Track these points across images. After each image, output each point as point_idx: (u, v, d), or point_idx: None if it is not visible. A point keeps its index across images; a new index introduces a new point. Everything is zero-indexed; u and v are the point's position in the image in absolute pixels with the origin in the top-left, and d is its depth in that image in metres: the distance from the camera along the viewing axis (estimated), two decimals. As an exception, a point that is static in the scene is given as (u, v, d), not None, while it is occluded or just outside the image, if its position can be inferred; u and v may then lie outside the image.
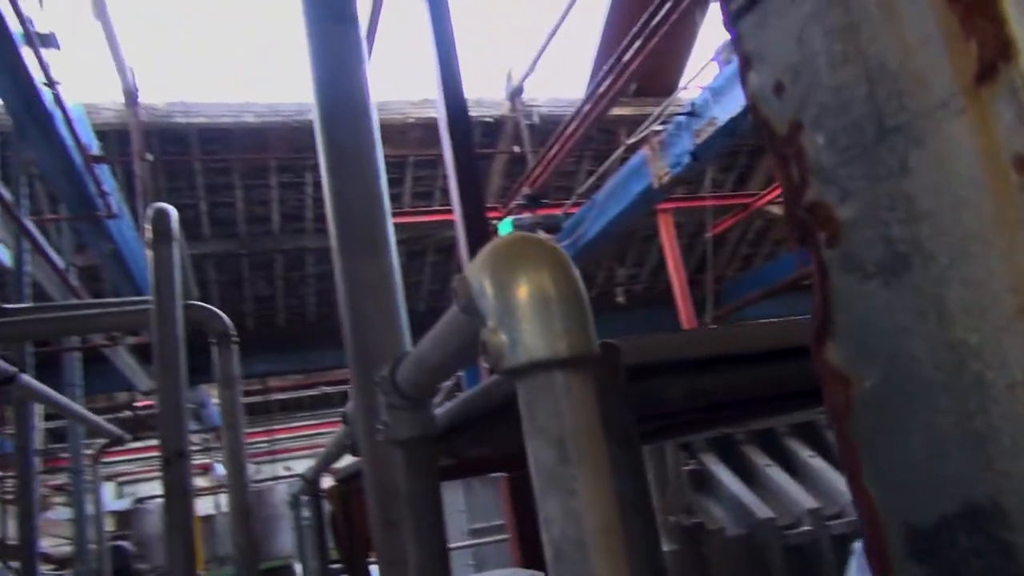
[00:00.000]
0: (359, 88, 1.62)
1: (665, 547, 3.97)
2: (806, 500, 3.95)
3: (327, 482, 3.11)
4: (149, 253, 2.61)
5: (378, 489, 1.24)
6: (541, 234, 6.22)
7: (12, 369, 3.26)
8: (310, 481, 3.17)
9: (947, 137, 0.43)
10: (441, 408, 1.26)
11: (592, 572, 0.53)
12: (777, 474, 4.18)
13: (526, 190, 7.62)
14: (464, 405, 1.18)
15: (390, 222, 1.32)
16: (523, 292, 0.58)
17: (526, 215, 7.53)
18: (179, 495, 2.32)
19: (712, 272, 8.43)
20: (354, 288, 1.24)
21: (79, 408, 5.15)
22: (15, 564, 4.43)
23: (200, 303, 2.98)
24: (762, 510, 3.94)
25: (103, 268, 6.80)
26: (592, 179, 7.51)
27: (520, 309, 0.59)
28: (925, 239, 0.44)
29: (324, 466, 2.78)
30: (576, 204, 7.88)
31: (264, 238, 9.85)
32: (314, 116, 1.63)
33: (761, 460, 4.33)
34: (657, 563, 0.72)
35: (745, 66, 0.57)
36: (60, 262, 5.42)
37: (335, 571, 4.33)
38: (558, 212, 7.91)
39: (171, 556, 2.39)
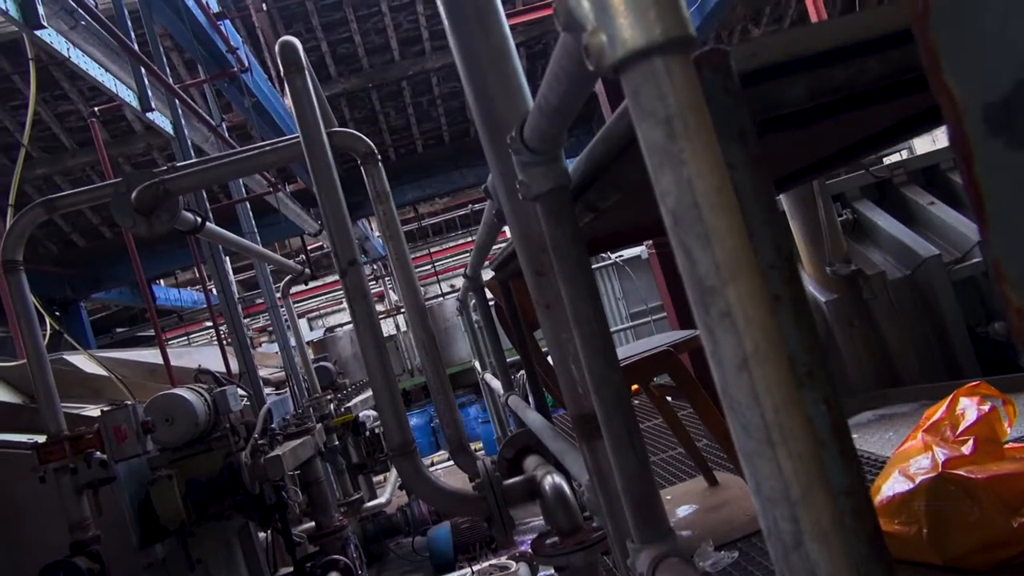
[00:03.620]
0: None
1: (823, 297, 3.99)
2: (975, 233, 3.78)
3: (488, 275, 3.34)
4: (286, 89, 2.76)
5: (526, 244, 1.35)
6: None
7: (199, 219, 3.65)
8: (471, 277, 3.42)
9: None
10: (571, 166, 1.33)
11: (707, 226, 0.60)
12: (942, 211, 4.00)
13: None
14: (589, 155, 1.23)
15: (496, -7, 1.34)
16: (614, -12, 0.61)
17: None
18: (360, 298, 2.60)
19: None
20: (471, 61, 1.29)
21: (261, 248, 5.71)
22: (246, 390, 5.15)
23: (340, 128, 3.14)
24: (926, 248, 3.84)
25: (250, 125, 7.19)
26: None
27: (613, 6, 0.62)
28: None
29: (481, 257, 2.97)
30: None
31: (388, 67, 9.91)
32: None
33: (923, 199, 4.15)
34: (774, 222, 0.78)
35: None
36: (212, 119, 5.81)
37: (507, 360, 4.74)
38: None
39: (365, 357, 2.71)
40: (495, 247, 2.85)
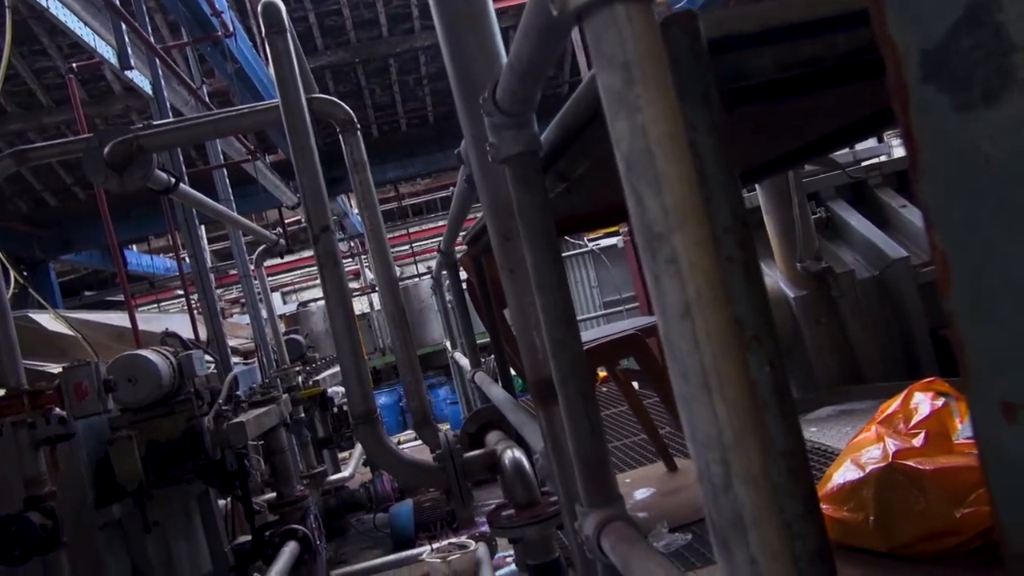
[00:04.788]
0: None
1: (792, 293, 4.05)
2: (943, 238, 3.86)
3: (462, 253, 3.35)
4: (267, 50, 2.74)
5: (494, 209, 1.36)
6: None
7: (172, 179, 3.61)
8: (445, 252, 3.42)
9: None
10: (543, 134, 1.34)
11: (658, 172, 0.61)
12: (913, 214, 4.07)
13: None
14: (561, 121, 1.24)
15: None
16: (581, -68, 0.61)
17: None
18: (331, 264, 2.59)
19: None
20: (450, 19, 1.29)
21: (235, 215, 5.66)
22: (213, 357, 5.11)
23: (321, 95, 3.12)
24: (895, 250, 3.90)
25: (232, 92, 7.10)
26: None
27: (579, -49, 0.63)
28: None
29: (454, 229, 2.97)
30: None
31: (376, 43, 9.83)
32: None
33: (896, 202, 4.21)
34: (736, 199, 0.79)
35: None
36: (193, 81, 5.73)
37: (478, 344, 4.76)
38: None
39: (333, 323, 2.71)
40: (469, 224, 2.86)
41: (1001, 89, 0.43)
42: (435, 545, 5.68)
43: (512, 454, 2.39)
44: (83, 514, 3.49)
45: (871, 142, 5.39)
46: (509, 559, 5.31)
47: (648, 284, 0.64)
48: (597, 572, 1.32)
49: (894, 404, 2.28)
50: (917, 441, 2.11)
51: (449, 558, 5.21)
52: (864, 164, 4.69)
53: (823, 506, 2.16)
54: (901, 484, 2.03)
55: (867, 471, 2.11)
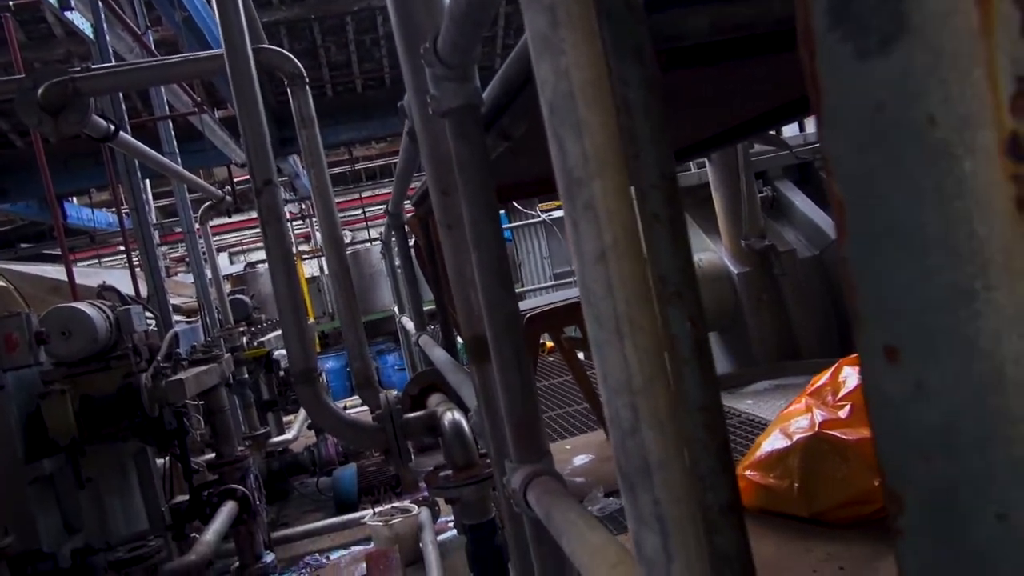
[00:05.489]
0: None
1: (736, 269, 4.12)
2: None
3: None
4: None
5: (433, 163, 1.35)
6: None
7: (112, 125, 3.49)
8: (393, 213, 3.39)
9: None
10: (485, 92, 1.32)
11: (580, 118, 0.61)
12: (854, 196, 4.15)
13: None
14: (503, 76, 1.23)
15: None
16: None
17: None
18: (274, 220, 2.54)
19: None
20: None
21: (179, 168, 5.50)
22: (153, 313, 5.00)
23: (269, 46, 3.03)
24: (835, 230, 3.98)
25: (180, 42, 6.87)
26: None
27: None
28: None
29: (402, 188, 2.94)
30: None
31: (335, 1, 9.59)
32: None
33: (839, 184, 4.31)
34: (665, 156, 0.80)
35: None
36: (138, 27, 5.52)
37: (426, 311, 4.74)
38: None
39: (274, 280, 2.67)
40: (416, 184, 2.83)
41: (894, 36, 0.44)
42: (378, 509, 5.69)
43: (451, 416, 2.40)
44: (12, 469, 3.40)
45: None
46: (451, 523, 5.37)
47: (567, 229, 0.64)
48: (524, 526, 1.34)
49: (824, 377, 2.35)
50: (843, 412, 2.18)
51: (391, 522, 5.24)
52: (813, 146, 4.77)
53: (750, 472, 2.23)
54: (825, 453, 2.10)
55: (794, 440, 2.17)
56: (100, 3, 4.84)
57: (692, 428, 0.83)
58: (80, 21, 4.92)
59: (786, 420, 2.30)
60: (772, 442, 2.25)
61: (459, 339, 3.22)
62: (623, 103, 0.80)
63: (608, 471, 3.05)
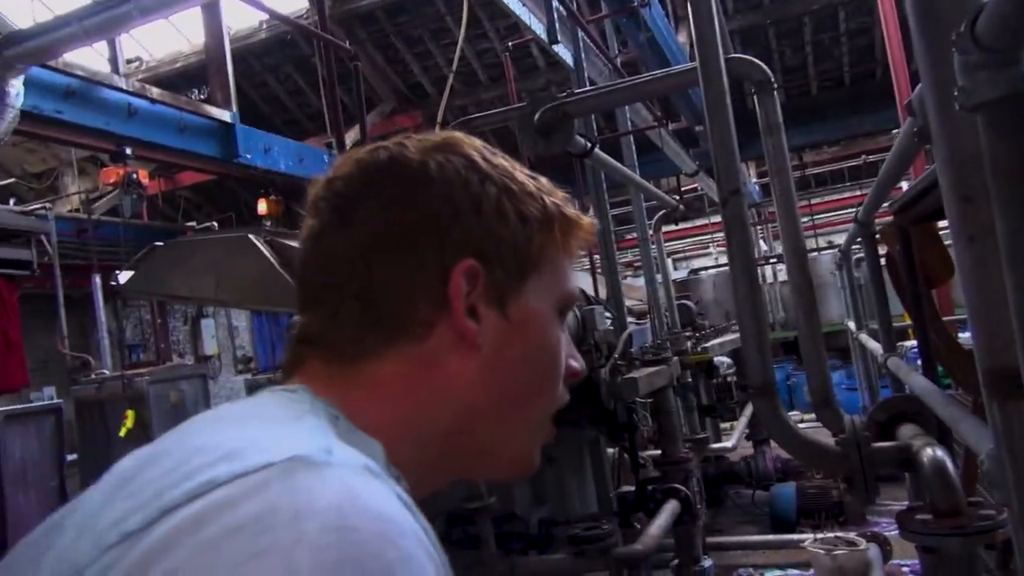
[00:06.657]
0: None
1: None
2: None
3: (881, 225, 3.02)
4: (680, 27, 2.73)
5: (953, 165, 1.17)
6: None
7: (588, 143, 3.85)
8: (863, 222, 3.12)
9: None
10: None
11: None
12: None
13: None
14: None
15: None
16: None
17: None
18: (738, 229, 2.53)
19: None
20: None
21: (641, 179, 5.86)
22: (612, 313, 5.39)
23: (737, 55, 3.04)
24: None
25: (640, 61, 7.33)
26: None
27: None
28: None
29: (879, 196, 2.69)
30: None
31: (789, 2, 9.31)
32: None
33: None
34: None
35: None
36: (611, 50, 6.04)
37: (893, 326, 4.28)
38: None
39: (736, 289, 2.65)
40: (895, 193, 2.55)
41: None
42: (819, 535, 5.35)
43: (933, 452, 2.11)
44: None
45: None
46: (905, 568, 4.79)
47: None
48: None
49: None
50: None
51: (835, 552, 4.86)
52: None
53: None
54: None
55: None
56: (580, 33, 5.40)
57: None
58: (563, 52, 5.56)
59: None
60: None
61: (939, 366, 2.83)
62: None
63: None
